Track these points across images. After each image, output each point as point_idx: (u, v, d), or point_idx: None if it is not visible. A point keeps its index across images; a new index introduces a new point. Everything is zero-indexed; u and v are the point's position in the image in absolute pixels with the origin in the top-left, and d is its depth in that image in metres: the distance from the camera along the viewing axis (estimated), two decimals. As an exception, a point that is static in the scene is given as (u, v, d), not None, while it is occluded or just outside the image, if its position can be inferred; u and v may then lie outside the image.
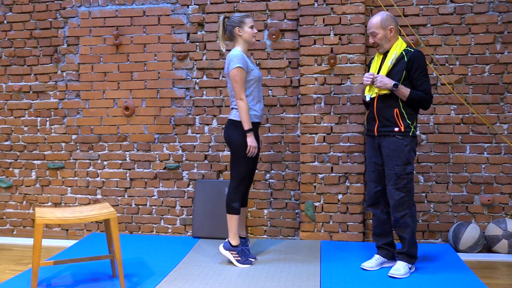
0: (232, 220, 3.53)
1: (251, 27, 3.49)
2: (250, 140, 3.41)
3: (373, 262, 3.45)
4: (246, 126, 3.40)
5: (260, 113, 3.55)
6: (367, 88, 3.34)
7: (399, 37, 3.31)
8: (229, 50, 3.67)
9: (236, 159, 3.50)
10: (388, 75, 3.25)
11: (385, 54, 3.33)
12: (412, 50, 3.25)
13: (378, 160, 3.38)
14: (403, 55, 3.24)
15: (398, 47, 3.26)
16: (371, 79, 3.28)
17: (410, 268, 3.33)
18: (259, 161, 4.33)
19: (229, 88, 3.51)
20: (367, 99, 3.35)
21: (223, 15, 3.57)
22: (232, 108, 3.52)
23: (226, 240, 3.60)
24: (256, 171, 4.33)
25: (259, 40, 4.29)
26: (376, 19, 3.27)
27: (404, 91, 3.18)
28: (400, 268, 3.29)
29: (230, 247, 3.56)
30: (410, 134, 3.24)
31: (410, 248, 3.31)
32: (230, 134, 3.49)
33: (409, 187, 3.26)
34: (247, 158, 3.48)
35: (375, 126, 3.33)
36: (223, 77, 4.35)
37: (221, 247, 3.59)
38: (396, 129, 3.23)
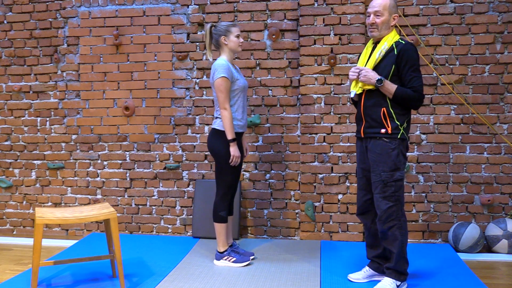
0: (220, 229, 3.55)
1: (237, 36, 3.49)
2: (233, 150, 3.42)
3: (361, 274, 3.21)
4: (230, 135, 3.40)
5: (244, 122, 3.56)
6: (353, 83, 2.99)
7: (395, 30, 3.01)
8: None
9: (221, 168, 3.50)
10: (376, 69, 2.90)
11: (375, 45, 2.99)
12: (404, 42, 2.90)
13: (365, 166, 3.06)
14: (393, 47, 2.89)
15: (390, 39, 2.91)
16: (357, 74, 2.92)
17: (398, 286, 2.98)
18: (259, 161, 4.33)
19: (214, 97, 3.52)
20: (352, 95, 3.01)
21: (210, 23, 3.56)
22: (216, 117, 3.52)
23: (215, 251, 3.64)
24: (256, 171, 4.34)
25: (259, 40, 4.29)
26: None
27: (390, 87, 2.84)
28: (385, 285, 2.98)
29: (220, 255, 3.59)
30: (399, 136, 2.88)
31: (398, 263, 2.96)
32: (214, 144, 3.50)
33: (397, 196, 2.90)
34: (231, 167, 3.49)
35: (362, 127, 3.00)
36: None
37: (214, 261, 3.62)
38: (383, 130, 2.88)
